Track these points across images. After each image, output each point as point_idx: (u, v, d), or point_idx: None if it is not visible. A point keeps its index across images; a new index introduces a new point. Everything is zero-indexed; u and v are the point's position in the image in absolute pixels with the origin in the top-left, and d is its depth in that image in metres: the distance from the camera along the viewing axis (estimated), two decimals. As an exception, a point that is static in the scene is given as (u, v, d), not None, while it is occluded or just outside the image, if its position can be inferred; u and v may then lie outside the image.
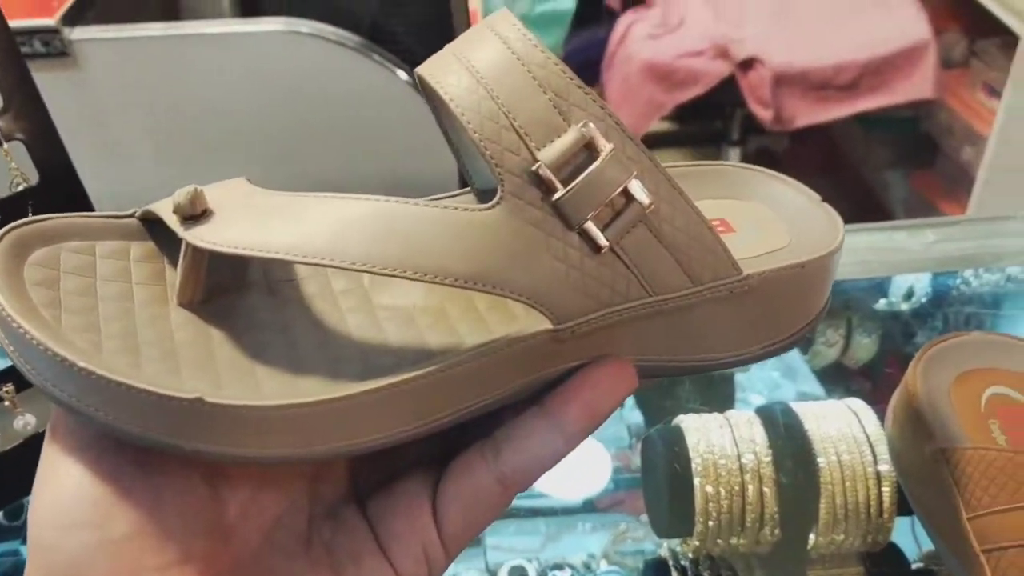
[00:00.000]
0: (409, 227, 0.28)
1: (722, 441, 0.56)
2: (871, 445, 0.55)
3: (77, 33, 0.96)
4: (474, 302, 0.33)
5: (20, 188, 0.45)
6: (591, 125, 0.29)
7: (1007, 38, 1.80)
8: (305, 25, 0.99)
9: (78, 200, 0.46)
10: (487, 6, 1.94)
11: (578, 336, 0.31)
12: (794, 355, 0.85)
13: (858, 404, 0.58)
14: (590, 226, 0.29)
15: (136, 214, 0.33)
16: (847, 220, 0.37)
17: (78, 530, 0.27)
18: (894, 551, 0.58)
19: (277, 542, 0.31)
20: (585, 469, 0.74)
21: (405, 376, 0.28)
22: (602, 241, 0.29)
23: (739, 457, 0.55)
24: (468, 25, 1.02)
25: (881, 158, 2.30)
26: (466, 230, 0.28)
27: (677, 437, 0.56)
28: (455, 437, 0.32)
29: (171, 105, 1.02)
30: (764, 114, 1.92)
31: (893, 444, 0.48)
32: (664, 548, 0.60)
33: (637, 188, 0.30)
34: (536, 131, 0.29)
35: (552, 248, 0.29)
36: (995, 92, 1.90)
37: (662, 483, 0.56)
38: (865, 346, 0.76)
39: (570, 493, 0.73)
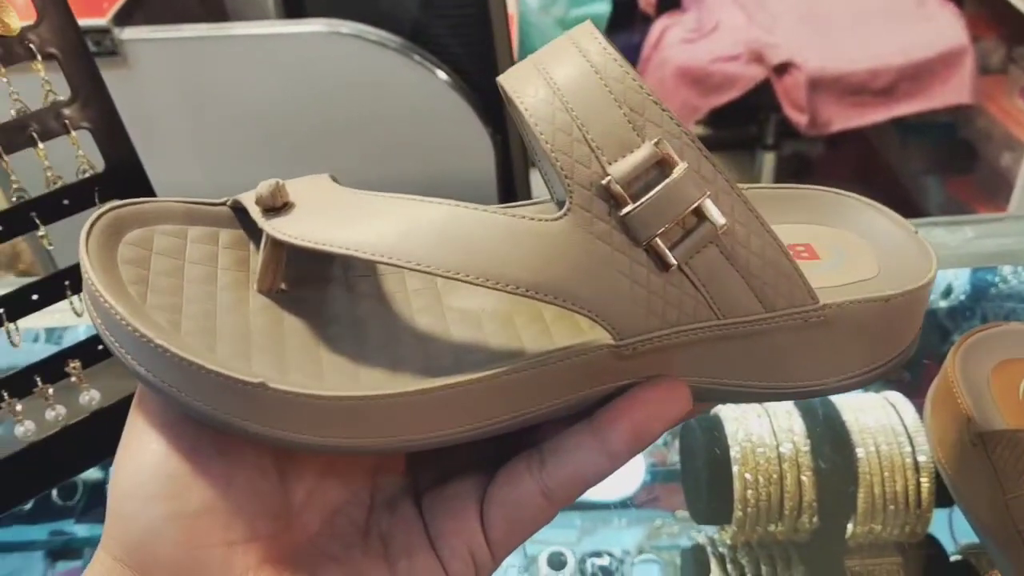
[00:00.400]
0: (475, 232, 0.28)
1: (760, 430, 0.57)
2: (909, 436, 0.55)
3: (127, 33, 0.99)
4: (542, 312, 0.33)
5: (87, 175, 0.47)
6: (665, 142, 0.29)
7: (1046, 44, 1.79)
8: (347, 26, 1.01)
9: (141, 187, 0.48)
10: (523, 8, 1.95)
11: (640, 353, 0.30)
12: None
13: (896, 396, 0.58)
14: (658, 243, 0.29)
15: (228, 202, 0.34)
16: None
17: (154, 502, 0.28)
18: (932, 542, 0.58)
19: (336, 530, 0.32)
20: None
21: (461, 379, 0.29)
22: (670, 259, 0.29)
23: (777, 446, 0.56)
24: (507, 26, 1.04)
25: (918, 164, 2.28)
26: (531, 239, 0.28)
27: (716, 426, 0.57)
28: (510, 443, 0.32)
29: (217, 103, 1.04)
30: (799, 118, 1.92)
31: (932, 432, 0.49)
32: (703, 536, 0.61)
33: (711, 208, 0.29)
34: (609, 145, 0.29)
35: (618, 263, 0.29)
36: (1033, 97, 1.89)
37: (701, 470, 0.57)
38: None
39: (604, 492, 0.73)
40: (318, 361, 0.30)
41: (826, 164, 2.43)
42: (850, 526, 0.56)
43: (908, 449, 0.55)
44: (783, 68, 1.93)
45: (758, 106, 2.06)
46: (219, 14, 1.18)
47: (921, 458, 0.54)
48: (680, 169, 0.29)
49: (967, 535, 0.54)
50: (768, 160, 2.30)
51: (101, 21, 0.96)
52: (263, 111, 1.04)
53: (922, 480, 0.54)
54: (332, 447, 0.29)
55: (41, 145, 0.45)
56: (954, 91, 1.92)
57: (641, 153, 0.28)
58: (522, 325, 0.33)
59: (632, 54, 2.18)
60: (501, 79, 0.31)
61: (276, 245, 0.32)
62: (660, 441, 0.78)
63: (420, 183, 1.07)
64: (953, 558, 0.59)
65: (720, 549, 0.59)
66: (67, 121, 0.46)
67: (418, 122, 1.04)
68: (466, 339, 0.32)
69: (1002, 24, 2.01)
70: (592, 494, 0.72)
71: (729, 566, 0.59)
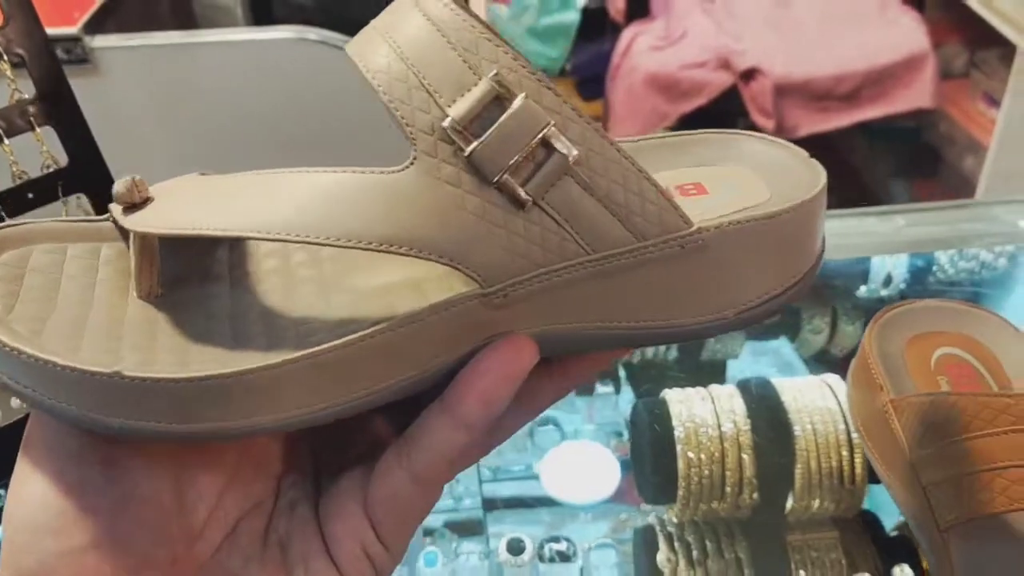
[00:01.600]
0: (329, 193, 0.28)
1: (704, 412, 0.59)
2: (844, 416, 0.58)
3: (98, 41, 1.01)
4: (420, 281, 0.32)
5: (50, 170, 0.49)
6: (502, 74, 0.28)
7: (1005, 49, 1.83)
8: (314, 32, 1.03)
9: (103, 181, 0.50)
10: (492, 17, 1.99)
11: (514, 301, 0.29)
12: (785, 346, 0.88)
13: (833, 379, 0.61)
14: (508, 180, 0.28)
15: (108, 216, 0.33)
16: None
17: (44, 536, 0.28)
18: (870, 517, 0.61)
19: (237, 542, 0.32)
20: (594, 472, 0.75)
21: (320, 347, 0.28)
22: (522, 195, 0.28)
23: (719, 426, 0.58)
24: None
25: (884, 168, 2.33)
26: (380, 192, 0.28)
27: (662, 408, 0.60)
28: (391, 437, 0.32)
29: (187, 109, 1.06)
30: (766, 124, 1.96)
31: (852, 407, 0.51)
32: (652, 516, 0.63)
33: (558, 137, 0.28)
34: (446, 88, 0.28)
35: (470, 205, 0.28)
36: (995, 102, 1.94)
37: (647, 451, 0.59)
38: (850, 333, 0.80)
39: (579, 497, 0.74)
40: (187, 350, 0.29)
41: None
42: (789, 502, 0.59)
43: (843, 427, 0.58)
44: (750, 74, 1.97)
45: (726, 112, 2.10)
46: (189, 23, 1.20)
47: (855, 436, 0.57)
48: (519, 100, 0.28)
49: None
50: (738, 165, 2.33)
51: (72, 30, 0.98)
52: (232, 116, 1.07)
53: (855, 456, 0.57)
54: (198, 433, 0.28)
55: (7, 141, 0.48)
56: (916, 96, 1.97)
57: (478, 90, 0.28)
58: (398, 292, 0.32)
59: (602, 62, 2.22)
60: (347, 47, 0.30)
61: (145, 243, 0.31)
62: (624, 436, 0.80)
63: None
64: (892, 533, 0.62)
65: (668, 528, 0.62)
66: (32, 118, 0.48)
67: (382, 123, 1.06)
68: (344, 315, 0.31)
69: (964, 29, 2.05)
70: (565, 497, 0.73)
71: (676, 544, 0.61)
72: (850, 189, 2.38)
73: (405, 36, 0.29)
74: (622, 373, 0.90)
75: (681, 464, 0.58)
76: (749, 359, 0.88)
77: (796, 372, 0.88)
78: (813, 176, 0.34)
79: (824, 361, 0.85)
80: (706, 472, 0.58)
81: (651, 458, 0.59)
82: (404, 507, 0.31)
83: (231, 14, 1.12)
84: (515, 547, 0.75)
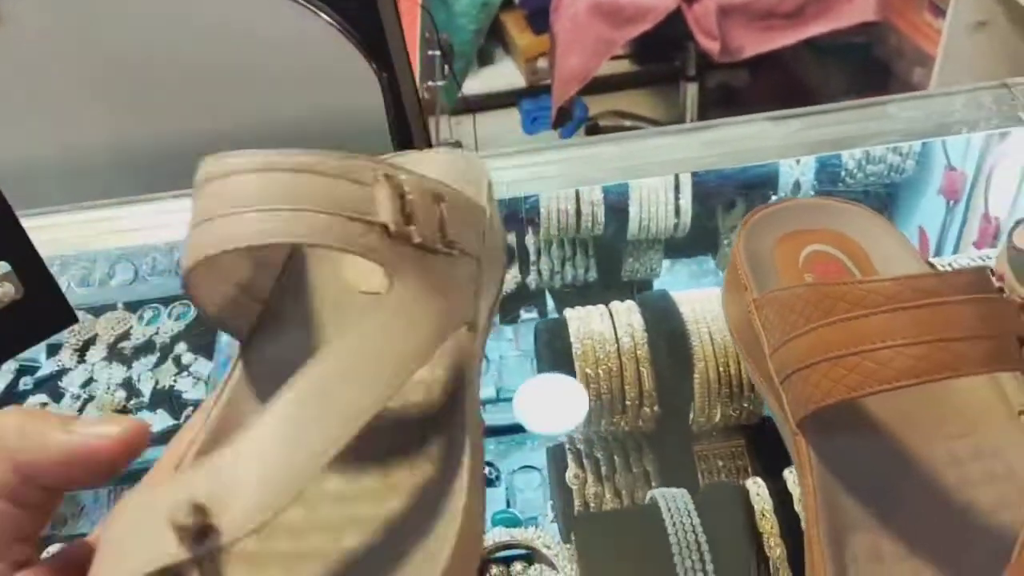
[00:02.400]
0: (365, 357, 0.29)
1: (601, 327, 0.59)
2: (741, 323, 0.58)
3: (-1, -9, 0.98)
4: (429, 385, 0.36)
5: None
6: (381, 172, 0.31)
7: (948, -44, 1.81)
8: (224, -28, 1.01)
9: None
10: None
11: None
12: (708, 262, 0.88)
13: (733, 287, 0.61)
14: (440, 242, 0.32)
15: None
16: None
17: None
18: (771, 423, 0.62)
19: None
20: (564, 403, 0.75)
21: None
22: (453, 248, 0.32)
23: (617, 340, 0.59)
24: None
25: (836, 85, 2.32)
26: (403, 319, 0.30)
27: (560, 326, 0.60)
28: None
29: (93, 52, 1.04)
30: (711, 46, 1.94)
31: (724, 307, 0.51)
32: (563, 435, 0.63)
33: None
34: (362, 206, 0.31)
35: (450, 275, 0.32)
36: (941, 11, 1.92)
37: (548, 370, 0.60)
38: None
39: (552, 427, 0.73)
40: None
41: (750, 93, 2.46)
42: (691, 413, 0.59)
43: (740, 335, 0.58)
44: (692, -4, 1.95)
45: (672, 36, 2.08)
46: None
47: (751, 342, 0.57)
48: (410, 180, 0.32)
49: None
50: (691, 91, 2.32)
51: (-29, -20, 0.95)
52: (142, 58, 1.04)
53: (753, 363, 0.57)
54: None
55: None
56: (860, 9, 1.95)
57: (381, 192, 0.30)
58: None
59: (545, -7, 2.19)
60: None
61: None
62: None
63: (309, 127, 1.08)
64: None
65: (578, 445, 0.62)
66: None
67: (302, 66, 1.04)
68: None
69: (907, -61, 2.03)
70: (540, 433, 0.72)
71: (585, 461, 0.62)
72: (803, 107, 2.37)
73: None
74: (549, 300, 0.90)
75: (579, 380, 0.58)
76: (669, 277, 0.88)
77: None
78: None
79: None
80: (604, 387, 0.58)
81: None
82: None
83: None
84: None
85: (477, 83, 2.50)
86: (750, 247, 0.46)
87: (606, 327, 0.59)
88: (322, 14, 1.04)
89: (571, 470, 0.61)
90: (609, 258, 0.80)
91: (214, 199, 0.29)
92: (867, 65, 2.26)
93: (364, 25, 1.04)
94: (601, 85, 2.30)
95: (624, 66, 2.56)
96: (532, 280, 0.82)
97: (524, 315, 0.86)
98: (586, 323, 0.59)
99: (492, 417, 0.73)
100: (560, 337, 0.59)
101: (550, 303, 0.91)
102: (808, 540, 0.39)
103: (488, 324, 0.38)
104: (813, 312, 0.35)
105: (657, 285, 0.90)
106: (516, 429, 0.70)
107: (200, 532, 0.24)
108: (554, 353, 0.59)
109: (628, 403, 0.58)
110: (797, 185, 0.72)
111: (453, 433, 0.34)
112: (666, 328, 0.59)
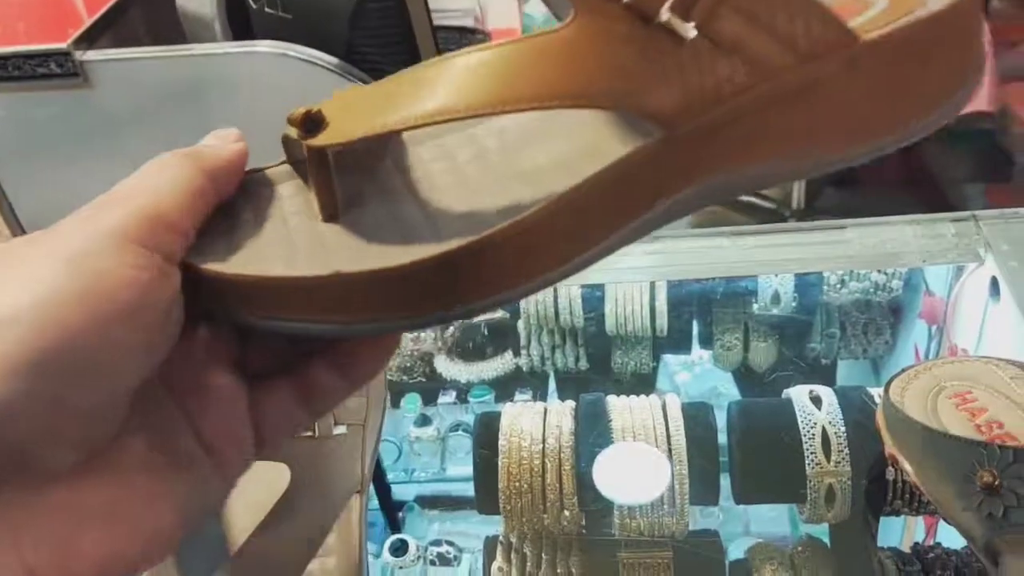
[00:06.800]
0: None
1: (531, 426, 0.60)
2: (669, 437, 0.58)
3: (88, 55, 1.07)
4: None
5: None
6: None
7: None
8: (290, 48, 1.07)
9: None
10: (527, 23, 1.98)
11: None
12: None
13: (671, 398, 0.61)
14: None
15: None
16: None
17: None
18: (704, 535, 0.61)
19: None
20: (648, 472, 0.73)
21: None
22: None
23: (543, 440, 0.59)
24: (433, 41, 1.08)
25: (962, 170, 2.23)
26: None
27: (493, 422, 0.61)
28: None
29: (175, 119, 1.12)
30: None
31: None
32: (500, 528, 0.64)
33: None
34: None
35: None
36: (1064, 104, 1.83)
37: (480, 463, 0.61)
38: (763, 350, 0.78)
39: (637, 496, 0.71)
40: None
41: (871, 174, 2.39)
42: (616, 520, 0.59)
43: (665, 448, 0.58)
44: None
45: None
46: (179, 39, 1.25)
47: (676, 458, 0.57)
48: None
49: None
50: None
51: (62, 45, 1.05)
52: (216, 126, 1.12)
53: (675, 481, 0.57)
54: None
55: None
56: (976, 97, 1.87)
57: None
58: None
59: None
60: None
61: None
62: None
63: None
64: (732, 558, 0.62)
65: (511, 539, 0.63)
66: None
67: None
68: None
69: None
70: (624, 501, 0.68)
71: (513, 556, 0.62)
72: (927, 194, 2.28)
73: None
74: (552, 381, 0.91)
75: (502, 477, 0.59)
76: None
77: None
78: None
79: (748, 377, 0.84)
80: (525, 486, 0.59)
81: (481, 470, 0.60)
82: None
83: (210, 28, 1.17)
84: (399, 548, 0.77)
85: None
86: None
87: (535, 425, 0.60)
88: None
89: (497, 563, 0.62)
90: (598, 349, 0.80)
91: None
92: (992, 152, 2.16)
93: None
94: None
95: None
96: (524, 363, 0.84)
97: (519, 396, 0.87)
98: (517, 420, 0.60)
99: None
100: (491, 432, 0.60)
101: (552, 385, 0.91)
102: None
103: None
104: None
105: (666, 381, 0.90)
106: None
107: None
108: (482, 446, 0.60)
109: (548, 504, 0.59)
110: (777, 296, 0.71)
111: None
112: (593, 434, 0.59)
